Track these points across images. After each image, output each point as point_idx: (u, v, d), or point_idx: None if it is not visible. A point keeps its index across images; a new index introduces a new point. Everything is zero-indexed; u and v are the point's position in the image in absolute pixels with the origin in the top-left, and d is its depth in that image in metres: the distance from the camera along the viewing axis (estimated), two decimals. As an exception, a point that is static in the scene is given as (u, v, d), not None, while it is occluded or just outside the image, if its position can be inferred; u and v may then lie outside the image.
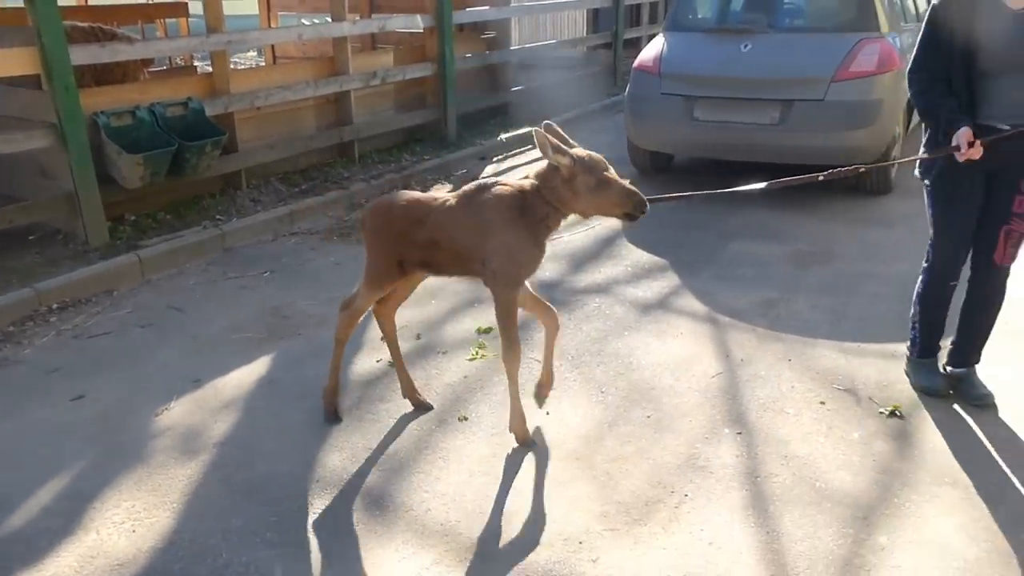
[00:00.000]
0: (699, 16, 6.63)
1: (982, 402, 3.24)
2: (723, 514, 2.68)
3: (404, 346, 3.37)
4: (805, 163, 5.39)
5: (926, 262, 3.30)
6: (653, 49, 6.33)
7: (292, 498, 2.80)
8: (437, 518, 2.69)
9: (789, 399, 3.35)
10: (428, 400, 3.37)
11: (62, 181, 4.89)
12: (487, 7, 8.77)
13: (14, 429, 3.25)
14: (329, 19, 6.96)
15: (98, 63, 5.48)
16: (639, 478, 2.86)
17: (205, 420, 3.30)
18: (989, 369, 3.35)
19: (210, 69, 6.05)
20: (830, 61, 5.57)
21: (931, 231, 3.24)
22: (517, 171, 6.99)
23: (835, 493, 2.77)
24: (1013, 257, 3.13)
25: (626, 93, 6.45)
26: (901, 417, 3.20)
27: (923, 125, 3.23)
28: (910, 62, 3.15)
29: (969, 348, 3.32)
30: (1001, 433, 3.08)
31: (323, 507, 2.76)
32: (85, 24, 6.84)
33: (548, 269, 4.68)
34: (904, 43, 5.84)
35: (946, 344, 3.40)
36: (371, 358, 3.75)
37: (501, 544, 2.57)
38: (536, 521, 2.66)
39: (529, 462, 2.97)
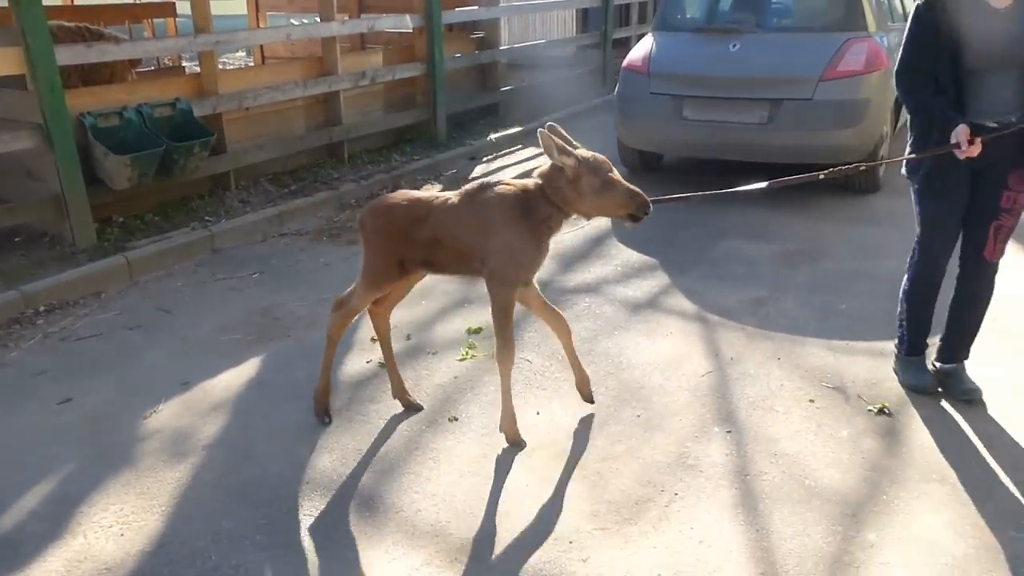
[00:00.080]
0: (688, 16, 6.65)
1: (971, 397, 3.26)
2: (713, 512, 2.68)
3: (394, 347, 3.36)
4: (794, 162, 5.42)
5: (912, 260, 3.32)
6: (642, 49, 6.34)
7: (282, 500, 2.79)
8: (427, 519, 2.68)
9: (778, 397, 3.36)
10: (418, 401, 3.36)
11: (48, 183, 4.86)
12: (476, 7, 8.78)
13: (0, 433, 3.23)
14: (318, 19, 6.94)
15: (85, 64, 5.45)
16: (629, 477, 2.87)
17: (194, 422, 3.28)
18: (976, 368, 3.37)
19: (198, 69, 6.02)
20: (818, 60, 5.59)
21: (918, 229, 3.26)
22: (507, 171, 6.99)
23: (824, 491, 2.78)
24: (1002, 252, 3.16)
25: (615, 93, 6.46)
26: (889, 415, 3.22)
27: (909, 125, 3.25)
28: (897, 62, 3.17)
29: (958, 344, 3.34)
30: (988, 430, 3.10)
31: (313, 509, 2.75)
32: (72, 24, 6.79)
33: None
34: (891, 42, 5.87)
35: (934, 342, 3.42)
36: (361, 359, 3.74)
37: (491, 544, 2.57)
38: (526, 521, 2.66)
39: (519, 462, 2.97)
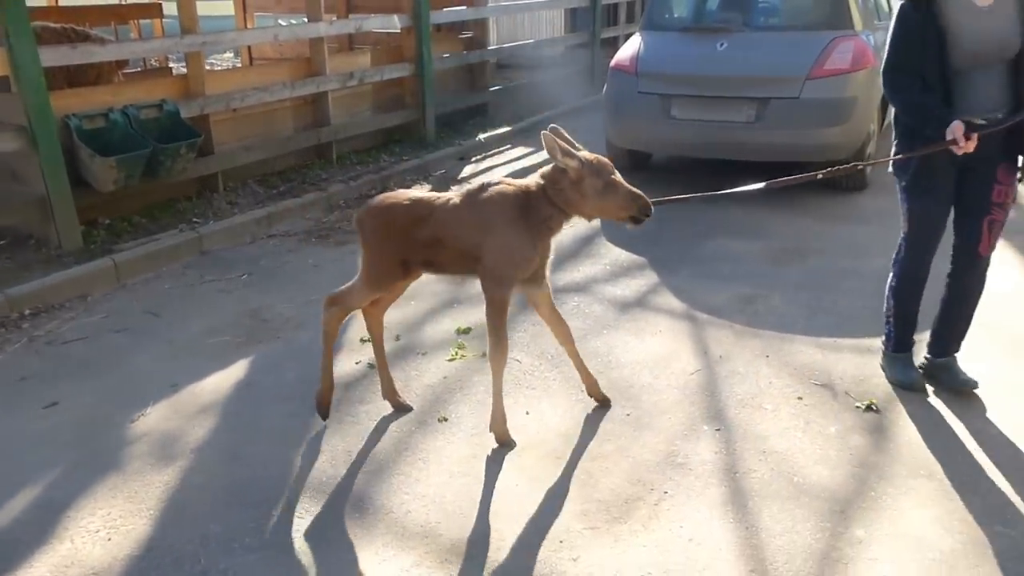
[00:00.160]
0: (675, 15, 6.67)
1: (966, 387, 3.28)
2: (702, 510, 2.69)
3: (384, 347, 3.35)
4: (781, 160, 5.44)
5: (898, 256, 3.33)
6: (630, 48, 6.35)
7: (271, 502, 2.78)
8: (417, 519, 2.68)
9: (767, 395, 3.37)
10: (408, 401, 3.36)
11: (33, 185, 4.82)
12: (464, 7, 8.77)
13: (-14, 437, 3.20)
14: (306, 20, 6.92)
15: (70, 65, 5.41)
16: (619, 476, 2.87)
17: (182, 425, 3.26)
18: (963, 364, 3.38)
19: (185, 71, 5.99)
20: (805, 59, 5.61)
21: (905, 226, 3.27)
22: (496, 171, 6.98)
23: (813, 488, 2.79)
24: (994, 247, 3.18)
25: (603, 92, 6.47)
26: (877, 411, 3.23)
27: (893, 122, 3.26)
28: (883, 61, 3.18)
29: (950, 337, 3.36)
30: (976, 425, 3.12)
31: (302, 511, 2.74)
32: (57, 25, 6.74)
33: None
34: (878, 41, 5.90)
35: (921, 338, 3.44)
36: (350, 360, 3.73)
37: (481, 545, 2.56)
38: (517, 521, 2.66)
39: (509, 462, 2.97)
